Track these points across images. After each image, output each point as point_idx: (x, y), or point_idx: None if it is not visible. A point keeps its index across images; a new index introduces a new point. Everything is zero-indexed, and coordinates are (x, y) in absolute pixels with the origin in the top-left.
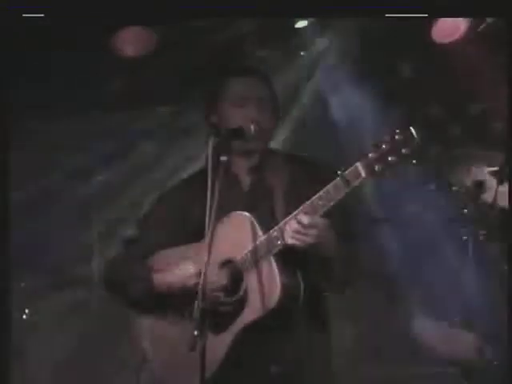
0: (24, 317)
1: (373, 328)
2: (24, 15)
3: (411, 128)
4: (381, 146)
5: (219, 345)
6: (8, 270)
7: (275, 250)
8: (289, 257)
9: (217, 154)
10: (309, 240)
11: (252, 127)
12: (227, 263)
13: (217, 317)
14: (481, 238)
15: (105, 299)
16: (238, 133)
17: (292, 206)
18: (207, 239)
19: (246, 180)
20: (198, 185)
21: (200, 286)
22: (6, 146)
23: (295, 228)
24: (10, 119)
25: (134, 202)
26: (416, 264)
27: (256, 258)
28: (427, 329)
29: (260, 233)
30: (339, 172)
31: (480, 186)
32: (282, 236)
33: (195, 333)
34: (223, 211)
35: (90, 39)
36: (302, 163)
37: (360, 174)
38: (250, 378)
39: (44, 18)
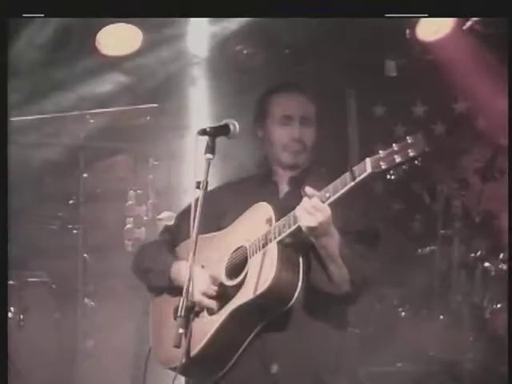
0: (21, 316)
1: (363, 327)
2: (24, 15)
3: (419, 134)
4: (391, 146)
5: (210, 325)
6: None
7: (281, 237)
8: (295, 255)
9: (205, 152)
10: (314, 221)
11: (236, 124)
12: (239, 249)
13: (216, 299)
14: (465, 235)
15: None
16: (223, 130)
17: None
18: (192, 239)
19: (283, 189)
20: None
21: (185, 287)
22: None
23: (305, 206)
24: (7, 117)
25: (127, 200)
26: (407, 264)
27: (263, 244)
28: (418, 328)
29: (274, 222)
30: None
31: (464, 183)
32: (290, 222)
33: (180, 330)
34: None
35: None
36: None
37: (366, 169)
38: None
39: (44, 17)
